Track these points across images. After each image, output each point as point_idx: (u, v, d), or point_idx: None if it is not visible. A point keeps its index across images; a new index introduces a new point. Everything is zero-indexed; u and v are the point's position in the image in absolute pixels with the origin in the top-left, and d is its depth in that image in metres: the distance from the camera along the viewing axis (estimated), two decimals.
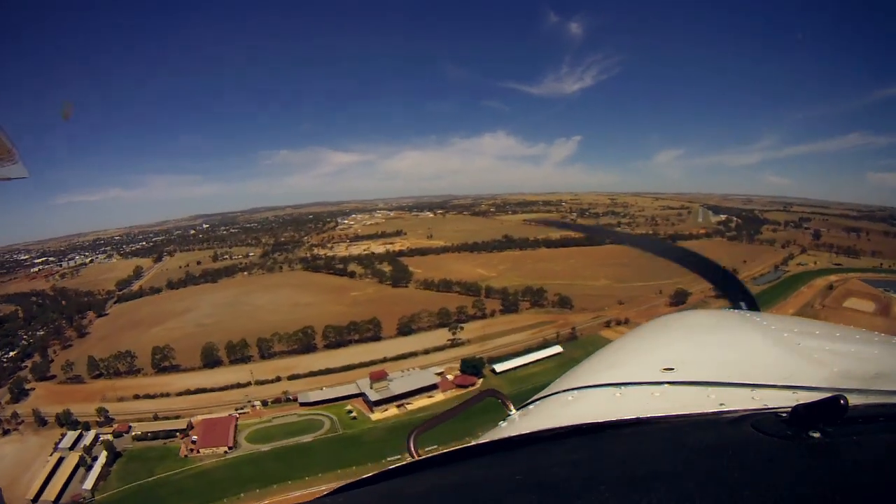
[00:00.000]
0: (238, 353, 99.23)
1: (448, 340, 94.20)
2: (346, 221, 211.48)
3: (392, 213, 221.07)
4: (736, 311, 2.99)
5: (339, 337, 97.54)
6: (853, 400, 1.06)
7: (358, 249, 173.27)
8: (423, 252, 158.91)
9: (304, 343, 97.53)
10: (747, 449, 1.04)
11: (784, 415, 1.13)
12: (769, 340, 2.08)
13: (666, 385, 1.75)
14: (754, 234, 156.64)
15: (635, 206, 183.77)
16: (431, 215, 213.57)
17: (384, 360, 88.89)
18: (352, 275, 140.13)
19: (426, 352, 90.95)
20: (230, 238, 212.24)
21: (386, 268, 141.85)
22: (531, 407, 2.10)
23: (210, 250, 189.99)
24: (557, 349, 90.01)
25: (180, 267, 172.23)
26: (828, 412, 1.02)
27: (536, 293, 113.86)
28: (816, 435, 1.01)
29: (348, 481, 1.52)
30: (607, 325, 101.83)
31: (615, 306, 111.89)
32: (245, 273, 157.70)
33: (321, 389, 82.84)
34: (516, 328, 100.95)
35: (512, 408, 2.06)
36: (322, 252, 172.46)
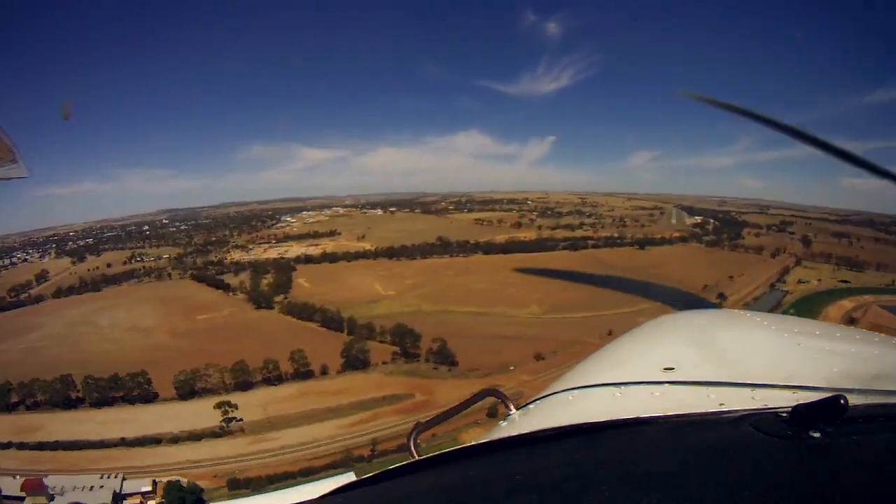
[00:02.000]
0: (2, 400, 75.76)
1: (220, 423, 64.32)
2: (288, 219, 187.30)
3: (343, 210, 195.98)
4: (736, 310, 2.88)
5: (101, 393, 71.01)
6: (853, 400, 1.04)
7: (276, 252, 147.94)
8: (334, 258, 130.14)
9: (63, 396, 71.87)
10: (747, 449, 1.02)
11: (784, 415, 1.10)
12: (769, 340, 2.03)
13: (666, 385, 1.70)
14: (735, 239, 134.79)
15: (605, 205, 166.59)
16: (381, 213, 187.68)
17: (115, 445, 61.19)
18: (227, 288, 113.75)
19: (176, 440, 61.69)
20: (172, 236, 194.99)
21: (275, 279, 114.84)
22: (531, 407, 2.05)
23: (141, 250, 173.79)
24: (348, 477, 45.52)
25: (89, 270, 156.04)
26: (828, 412, 0.99)
27: (408, 336, 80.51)
28: (816, 435, 1.00)
29: (347, 481, 1.46)
30: (490, 414, 63.54)
31: (528, 363, 76.47)
32: (135, 280, 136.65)
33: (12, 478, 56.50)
34: (337, 407, 68.12)
35: (512, 407, 2.00)
36: (236, 256, 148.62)
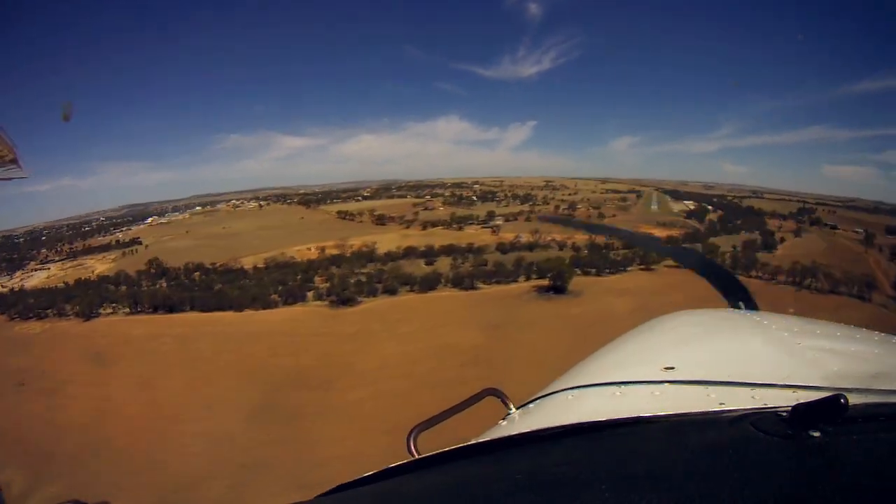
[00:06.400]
0: None
1: None
2: (148, 221, 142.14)
3: (225, 206, 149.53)
4: (736, 310, 2.96)
5: None
6: (853, 399, 1.02)
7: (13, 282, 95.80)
8: None
9: None
10: (747, 448, 1.01)
11: (784, 414, 1.09)
12: (769, 340, 2.04)
13: (666, 384, 1.69)
14: (771, 247, 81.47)
15: (571, 189, 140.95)
16: (253, 206, 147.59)
17: None
18: None
19: None
20: (81, 235, 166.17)
21: None
22: (531, 406, 2.04)
23: None
24: None
25: None
26: (828, 411, 0.99)
27: None
28: (816, 434, 0.99)
29: (347, 480, 1.44)
30: None
31: None
32: None
33: None
34: None
35: (512, 407, 2.00)
36: None
